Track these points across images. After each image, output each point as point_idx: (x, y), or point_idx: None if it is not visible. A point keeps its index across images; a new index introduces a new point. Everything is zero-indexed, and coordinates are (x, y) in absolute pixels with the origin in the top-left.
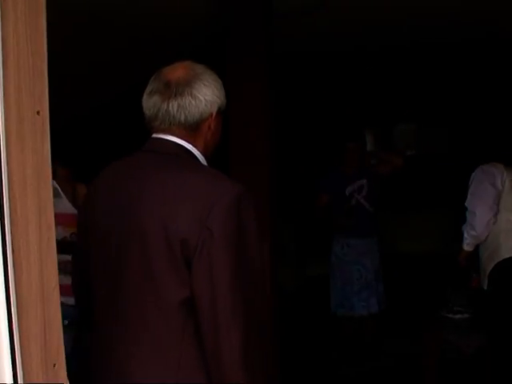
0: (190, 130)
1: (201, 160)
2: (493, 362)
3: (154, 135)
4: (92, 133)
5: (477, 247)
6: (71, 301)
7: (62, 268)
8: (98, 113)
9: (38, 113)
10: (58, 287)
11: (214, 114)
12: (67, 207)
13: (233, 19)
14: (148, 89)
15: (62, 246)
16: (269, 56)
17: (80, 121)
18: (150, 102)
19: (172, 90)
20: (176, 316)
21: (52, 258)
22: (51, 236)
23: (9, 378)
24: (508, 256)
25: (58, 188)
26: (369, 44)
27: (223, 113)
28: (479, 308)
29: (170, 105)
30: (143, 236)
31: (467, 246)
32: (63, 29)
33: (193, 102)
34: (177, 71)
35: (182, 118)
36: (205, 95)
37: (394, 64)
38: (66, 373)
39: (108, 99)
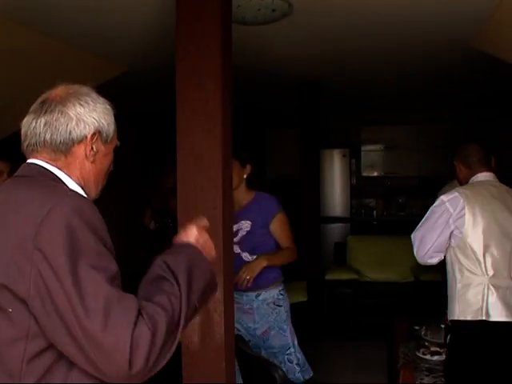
0: (60, 154)
1: (70, 185)
2: None
3: (28, 160)
4: None
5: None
6: None
7: None
8: None
9: None
10: None
11: (89, 138)
12: None
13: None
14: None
15: None
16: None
17: None
18: (23, 123)
19: (43, 108)
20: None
21: None
22: None
23: None
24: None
25: None
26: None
27: (109, 143)
28: None
29: (38, 122)
30: None
31: None
32: None
33: (61, 118)
34: (56, 90)
35: (48, 136)
36: (77, 114)
37: None
38: None
39: None
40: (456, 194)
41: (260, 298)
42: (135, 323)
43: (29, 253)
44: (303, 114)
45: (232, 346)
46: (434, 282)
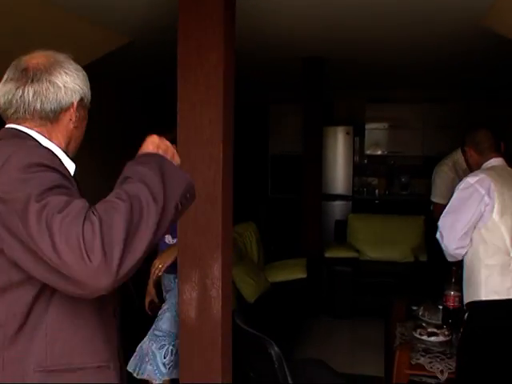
0: (47, 121)
1: (44, 144)
2: None
3: (7, 125)
4: None
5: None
6: None
7: None
8: None
9: None
10: None
11: (76, 104)
12: None
13: None
14: (4, 76)
15: None
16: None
17: None
18: (4, 89)
19: (29, 77)
20: None
21: None
22: None
23: None
24: (488, 299)
25: None
26: None
27: (86, 108)
28: (455, 330)
29: (26, 91)
30: None
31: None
32: None
33: (51, 88)
34: (36, 58)
35: (38, 105)
36: (65, 82)
37: None
38: None
39: None
40: (482, 175)
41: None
42: (84, 219)
43: None
44: (307, 90)
45: (229, 322)
46: (434, 263)
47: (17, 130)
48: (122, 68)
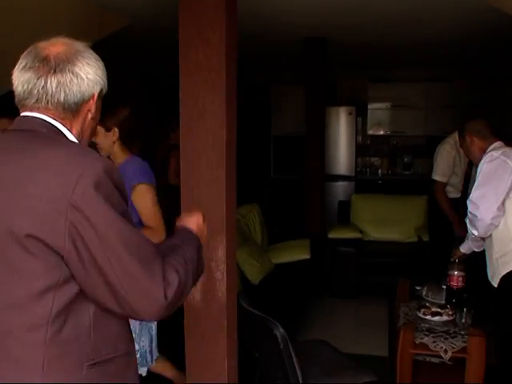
0: (69, 112)
1: (71, 139)
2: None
3: (24, 113)
4: None
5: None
6: None
7: None
8: None
9: None
10: None
11: (96, 96)
12: None
13: None
14: (21, 63)
15: None
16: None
17: None
18: (22, 78)
19: (51, 66)
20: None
21: None
22: None
23: None
24: None
25: None
26: None
27: (103, 97)
28: (459, 310)
29: (49, 81)
30: None
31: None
32: None
33: (74, 79)
34: (55, 47)
35: (62, 96)
36: (87, 73)
37: None
38: None
39: None
40: (504, 148)
41: None
42: (163, 267)
43: (63, 210)
44: (309, 71)
45: (234, 304)
46: (437, 243)
47: (45, 121)
48: (123, 52)
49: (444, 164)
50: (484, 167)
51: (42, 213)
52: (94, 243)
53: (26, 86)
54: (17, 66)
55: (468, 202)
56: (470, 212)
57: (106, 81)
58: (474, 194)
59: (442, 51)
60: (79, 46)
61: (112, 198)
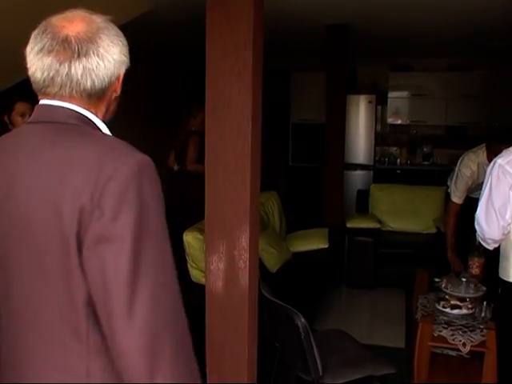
0: (94, 98)
1: (103, 129)
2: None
3: (46, 101)
4: None
5: None
6: None
7: None
8: None
9: None
10: None
11: (121, 76)
12: None
13: None
14: (36, 45)
15: None
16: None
17: None
18: (41, 63)
19: (74, 50)
20: (76, 317)
21: None
22: None
23: None
24: None
25: None
26: None
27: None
28: (478, 303)
29: (73, 68)
30: (27, 223)
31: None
32: None
33: (101, 63)
34: (74, 25)
35: (89, 83)
36: (113, 54)
37: None
38: None
39: None
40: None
41: None
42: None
43: (89, 212)
44: (331, 58)
45: (255, 293)
46: (457, 235)
47: (74, 111)
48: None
49: (464, 187)
50: (489, 175)
51: (70, 214)
52: (110, 265)
53: (46, 74)
54: (30, 48)
55: (475, 220)
56: (478, 232)
57: (128, 56)
58: (479, 212)
59: (466, 39)
60: (99, 21)
61: (146, 209)
